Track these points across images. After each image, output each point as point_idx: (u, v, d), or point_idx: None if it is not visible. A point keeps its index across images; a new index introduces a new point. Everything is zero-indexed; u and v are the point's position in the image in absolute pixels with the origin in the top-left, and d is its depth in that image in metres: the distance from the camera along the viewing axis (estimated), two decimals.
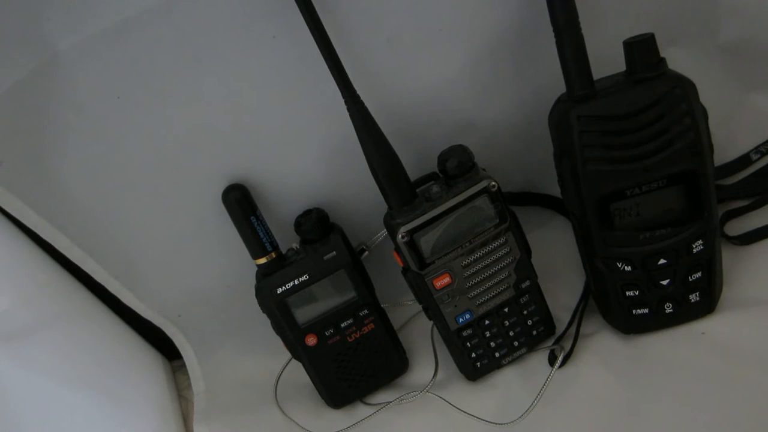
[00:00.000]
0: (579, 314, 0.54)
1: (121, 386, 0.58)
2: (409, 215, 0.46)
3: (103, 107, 0.46)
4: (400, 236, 0.46)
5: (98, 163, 0.49)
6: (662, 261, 0.46)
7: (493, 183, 0.46)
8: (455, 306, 0.49)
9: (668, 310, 0.48)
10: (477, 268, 0.48)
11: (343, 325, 0.53)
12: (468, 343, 0.51)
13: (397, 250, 0.47)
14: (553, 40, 0.44)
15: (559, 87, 0.45)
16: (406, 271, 0.49)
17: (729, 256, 0.50)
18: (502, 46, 0.50)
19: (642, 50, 0.43)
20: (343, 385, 0.55)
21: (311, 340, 0.53)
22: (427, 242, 0.46)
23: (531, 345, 0.53)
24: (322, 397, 0.56)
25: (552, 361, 0.51)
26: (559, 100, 0.46)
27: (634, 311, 0.49)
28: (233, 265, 0.56)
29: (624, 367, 0.49)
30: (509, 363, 0.53)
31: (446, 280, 0.48)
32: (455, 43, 0.49)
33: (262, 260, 0.51)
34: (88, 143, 0.48)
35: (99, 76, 0.45)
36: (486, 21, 0.49)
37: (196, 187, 0.52)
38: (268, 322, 0.52)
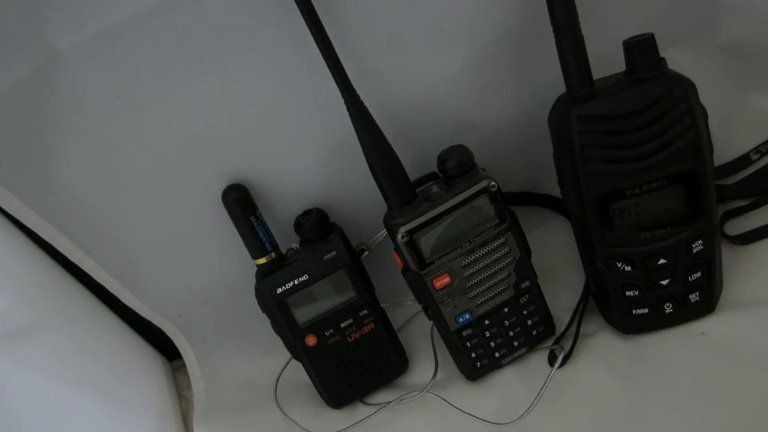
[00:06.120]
0: (579, 314, 0.54)
1: (121, 386, 0.58)
2: (408, 215, 0.46)
3: (103, 107, 0.46)
4: (399, 236, 0.46)
5: (98, 163, 0.49)
6: (662, 261, 0.46)
7: (493, 183, 0.46)
8: (455, 306, 0.49)
9: (668, 310, 0.48)
10: (477, 268, 0.48)
11: (343, 325, 0.53)
12: (468, 343, 0.51)
13: (397, 250, 0.47)
14: (553, 40, 0.44)
15: (559, 87, 0.45)
16: (406, 271, 0.49)
17: (729, 256, 0.50)
18: (502, 46, 0.50)
19: (642, 50, 0.43)
20: (343, 385, 0.55)
21: (311, 340, 0.53)
22: (426, 242, 0.46)
23: (531, 345, 0.53)
24: (322, 397, 0.56)
25: (552, 361, 0.51)
26: (559, 100, 0.46)
27: (634, 311, 0.49)
28: (233, 265, 0.56)
29: (624, 367, 0.49)
30: (509, 363, 0.53)
31: (446, 280, 0.48)
32: (455, 43, 0.49)
33: (262, 260, 0.51)
34: (88, 143, 0.48)
35: (99, 76, 0.45)
36: (486, 21, 0.49)
37: (196, 187, 0.52)
38: (268, 322, 0.52)
